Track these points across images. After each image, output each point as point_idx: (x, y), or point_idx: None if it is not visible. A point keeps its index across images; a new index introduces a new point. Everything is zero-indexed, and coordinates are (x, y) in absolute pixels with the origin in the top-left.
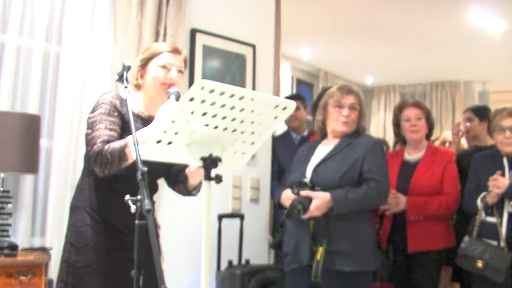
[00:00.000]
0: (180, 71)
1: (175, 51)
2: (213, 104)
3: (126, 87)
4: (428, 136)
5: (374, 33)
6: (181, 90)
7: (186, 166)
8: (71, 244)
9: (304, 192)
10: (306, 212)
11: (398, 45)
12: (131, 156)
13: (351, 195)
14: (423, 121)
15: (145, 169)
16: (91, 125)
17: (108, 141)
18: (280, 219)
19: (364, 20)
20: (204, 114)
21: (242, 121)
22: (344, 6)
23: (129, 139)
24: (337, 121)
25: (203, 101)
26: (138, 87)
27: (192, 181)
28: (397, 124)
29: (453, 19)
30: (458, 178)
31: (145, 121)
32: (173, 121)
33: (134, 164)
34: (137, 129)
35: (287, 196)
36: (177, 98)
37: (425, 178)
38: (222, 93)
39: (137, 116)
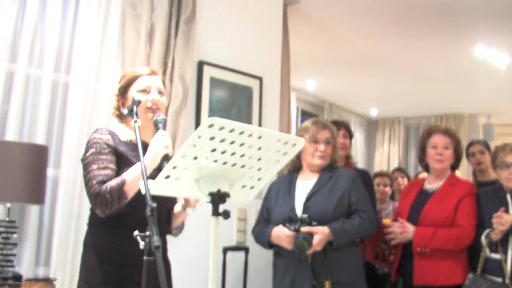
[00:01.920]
0: (160, 92)
1: (152, 73)
2: (222, 140)
3: (136, 121)
4: (454, 167)
5: (379, 65)
6: (165, 116)
7: (173, 206)
8: (86, 281)
9: (305, 228)
10: (310, 248)
11: (403, 78)
12: (131, 192)
13: (347, 227)
14: (450, 150)
15: (154, 205)
16: (85, 167)
17: (104, 181)
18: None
19: (369, 53)
20: (214, 150)
21: (251, 157)
22: (349, 39)
23: (125, 176)
24: (314, 156)
25: (212, 138)
26: (121, 117)
27: (175, 222)
28: (422, 149)
29: (458, 52)
30: (475, 212)
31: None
32: (182, 157)
33: (141, 196)
34: (133, 157)
35: (283, 234)
36: (164, 126)
37: (437, 209)
38: (231, 130)
39: (129, 144)
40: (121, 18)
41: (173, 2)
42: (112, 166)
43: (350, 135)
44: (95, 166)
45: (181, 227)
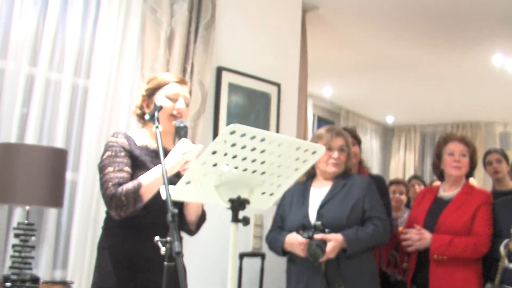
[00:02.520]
0: (186, 104)
1: (182, 81)
2: (243, 147)
3: (157, 127)
4: (469, 175)
5: (396, 72)
6: (187, 123)
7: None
8: (97, 285)
9: (319, 236)
10: (323, 255)
11: (419, 85)
12: (146, 196)
13: (361, 234)
14: (467, 158)
15: (176, 211)
16: (101, 170)
17: (120, 184)
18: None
19: (386, 60)
20: (234, 157)
21: (271, 164)
22: (367, 46)
23: (142, 180)
24: (328, 163)
25: (233, 145)
26: (142, 117)
27: (189, 216)
28: (438, 156)
29: (476, 60)
30: (491, 221)
31: (155, 152)
32: (203, 163)
33: (155, 200)
34: (148, 161)
35: (296, 241)
36: (185, 133)
37: (454, 217)
38: (253, 137)
39: (145, 149)
40: (141, 23)
41: (192, 7)
42: (128, 169)
43: (358, 141)
44: (110, 169)
45: (199, 223)
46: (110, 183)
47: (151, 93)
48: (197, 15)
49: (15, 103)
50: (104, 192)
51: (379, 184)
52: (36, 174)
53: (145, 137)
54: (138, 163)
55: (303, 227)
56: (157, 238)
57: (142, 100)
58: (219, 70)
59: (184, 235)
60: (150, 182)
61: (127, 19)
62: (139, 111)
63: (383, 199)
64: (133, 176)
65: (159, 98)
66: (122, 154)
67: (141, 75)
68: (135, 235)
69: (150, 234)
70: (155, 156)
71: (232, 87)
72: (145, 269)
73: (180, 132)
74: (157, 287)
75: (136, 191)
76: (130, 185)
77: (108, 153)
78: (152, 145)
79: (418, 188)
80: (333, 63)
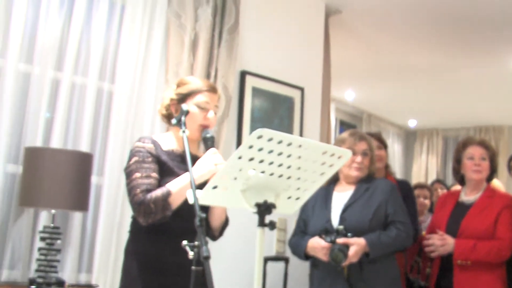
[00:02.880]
0: (215, 112)
1: (213, 90)
2: (270, 152)
3: (184, 131)
4: (489, 179)
5: (418, 76)
6: (214, 133)
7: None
8: None
9: (341, 240)
10: (346, 260)
11: (442, 89)
12: (175, 204)
13: (384, 238)
14: (487, 162)
15: (204, 215)
16: (128, 175)
17: (148, 190)
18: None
19: (409, 64)
20: (261, 161)
21: (298, 168)
22: (389, 50)
23: (170, 187)
24: (351, 167)
25: (260, 149)
26: (168, 118)
27: (213, 222)
28: (458, 161)
29: (498, 64)
30: None
31: (181, 157)
32: (230, 167)
33: (183, 205)
34: (175, 167)
35: (319, 245)
36: (212, 143)
37: (477, 222)
38: (280, 142)
39: (171, 154)
40: (165, 28)
41: (216, 11)
42: (155, 175)
43: (384, 145)
44: (138, 175)
45: (222, 229)
46: (138, 189)
47: (182, 98)
48: (221, 19)
49: (41, 107)
50: (132, 199)
51: (406, 190)
52: (62, 178)
53: (171, 141)
54: (166, 168)
55: (326, 231)
56: (184, 242)
57: (171, 103)
58: (243, 74)
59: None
60: (179, 189)
61: (151, 23)
62: (164, 111)
63: (410, 205)
64: (160, 182)
65: (190, 106)
66: (149, 159)
67: (165, 80)
68: (163, 239)
69: (178, 238)
70: (181, 161)
71: (256, 91)
72: (174, 274)
73: (207, 143)
74: None
75: (165, 198)
76: (159, 192)
77: (135, 158)
78: (178, 149)
79: (441, 192)
80: (355, 67)
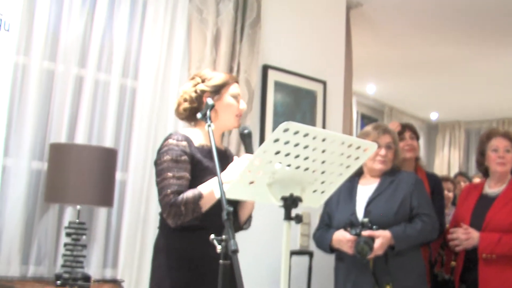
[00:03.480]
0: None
1: (238, 81)
2: (296, 145)
3: (209, 125)
4: None
5: (440, 69)
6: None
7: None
8: (158, 286)
9: (366, 232)
10: (371, 252)
11: (464, 81)
12: (205, 207)
13: (409, 231)
14: (511, 154)
15: (231, 209)
16: (159, 173)
17: (179, 192)
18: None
19: (430, 56)
20: (287, 154)
21: (323, 162)
22: (411, 43)
23: (202, 190)
24: (375, 160)
25: (286, 143)
26: (192, 111)
27: (242, 215)
28: (482, 153)
29: None
30: None
31: (207, 152)
32: (257, 161)
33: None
34: (209, 164)
35: (344, 238)
36: (251, 140)
37: (502, 214)
38: (306, 135)
39: (202, 149)
40: (187, 23)
41: (238, 6)
42: (187, 175)
43: (417, 136)
44: (170, 174)
45: (249, 220)
46: (169, 190)
47: (216, 90)
48: (243, 14)
49: (65, 104)
50: (162, 198)
51: (435, 183)
52: (87, 173)
53: (199, 137)
54: (201, 167)
55: (351, 224)
56: (212, 236)
57: (204, 95)
58: (265, 69)
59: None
60: (210, 192)
61: (173, 19)
62: (187, 105)
63: (438, 198)
64: (196, 181)
65: (227, 97)
66: (183, 158)
67: (188, 75)
68: (194, 235)
69: (208, 233)
70: (211, 156)
71: (278, 85)
72: (207, 270)
73: (246, 140)
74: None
75: (196, 201)
76: (190, 195)
77: (167, 156)
78: (208, 144)
79: (464, 185)
80: (377, 60)
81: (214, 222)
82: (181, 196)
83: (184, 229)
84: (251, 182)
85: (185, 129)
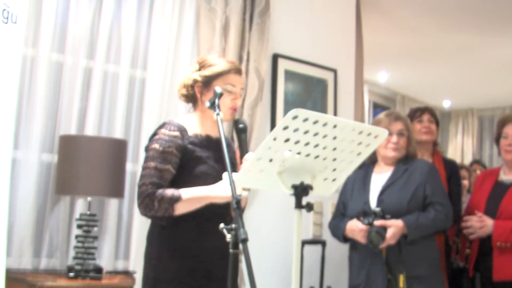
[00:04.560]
0: (241, 95)
1: (238, 71)
2: (306, 132)
3: (218, 114)
4: None
5: (452, 56)
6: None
7: None
8: (152, 277)
9: (378, 222)
10: (383, 242)
11: (476, 68)
12: (179, 211)
13: (422, 220)
14: None
15: (240, 197)
16: (145, 160)
17: (158, 184)
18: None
19: (441, 44)
20: (297, 142)
21: (334, 149)
22: (422, 30)
23: (183, 193)
24: (387, 148)
25: (296, 130)
26: (190, 98)
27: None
28: (497, 139)
29: None
30: None
31: (207, 141)
32: (266, 149)
33: None
34: (203, 154)
35: (357, 227)
36: (245, 135)
37: None
38: (315, 122)
39: (197, 139)
40: (196, 13)
41: None
42: (171, 169)
43: (436, 120)
44: (153, 164)
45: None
46: (148, 180)
47: (207, 81)
48: (252, 2)
49: (74, 96)
50: (140, 185)
51: (452, 169)
52: (97, 165)
53: (194, 124)
54: (193, 156)
55: (364, 213)
56: (222, 225)
57: (196, 84)
58: (275, 57)
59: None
60: (189, 198)
61: (182, 9)
62: (185, 92)
63: (454, 185)
64: (182, 168)
65: (217, 88)
66: (170, 150)
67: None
68: (187, 224)
69: (209, 224)
70: (206, 146)
71: (289, 74)
72: (205, 260)
73: (240, 135)
74: (217, 278)
75: (172, 203)
76: (168, 194)
77: (156, 145)
78: (201, 133)
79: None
80: (388, 48)
81: (216, 211)
82: (159, 191)
83: (177, 219)
84: (261, 171)
85: (182, 117)
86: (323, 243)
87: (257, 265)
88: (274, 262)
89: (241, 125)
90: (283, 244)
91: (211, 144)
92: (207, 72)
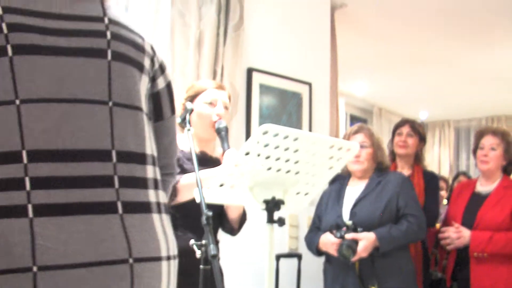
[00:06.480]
0: (226, 107)
1: (220, 87)
2: (276, 147)
3: (189, 129)
4: (506, 169)
5: (428, 67)
6: (227, 125)
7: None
8: None
9: (350, 235)
10: (355, 255)
11: (452, 80)
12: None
13: (394, 232)
14: (498, 152)
15: (210, 213)
16: None
17: None
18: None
19: (418, 55)
20: (268, 157)
21: (305, 164)
22: (398, 42)
23: (180, 178)
24: (350, 162)
25: (266, 145)
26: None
27: (230, 213)
28: (474, 151)
29: (509, 52)
30: None
31: (198, 158)
32: (236, 165)
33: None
34: (186, 165)
35: (329, 241)
36: (226, 133)
37: (493, 213)
38: (286, 137)
39: (184, 154)
40: (170, 27)
41: (220, 9)
42: None
43: (417, 133)
44: None
45: (241, 223)
46: None
47: (190, 100)
48: (226, 17)
49: None
50: None
51: (429, 179)
52: None
53: (185, 142)
54: (181, 171)
55: (337, 226)
56: (192, 241)
57: (182, 109)
58: (250, 71)
59: (221, 237)
60: (188, 183)
61: (155, 23)
62: (179, 119)
63: (431, 193)
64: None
65: (198, 105)
66: None
67: (171, 79)
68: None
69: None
70: (192, 162)
71: (263, 88)
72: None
73: (221, 133)
74: None
75: (174, 185)
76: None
77: None
78: (196, 151)
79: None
80: (364, 60)
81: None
82: None
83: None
84: (232, 186)
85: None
86: (299, 256)
87: (233, 280)
88: (250, 277)
89: (220, 125)
90: (258, 258)
91: (202, 160)
92: (190, 92)
